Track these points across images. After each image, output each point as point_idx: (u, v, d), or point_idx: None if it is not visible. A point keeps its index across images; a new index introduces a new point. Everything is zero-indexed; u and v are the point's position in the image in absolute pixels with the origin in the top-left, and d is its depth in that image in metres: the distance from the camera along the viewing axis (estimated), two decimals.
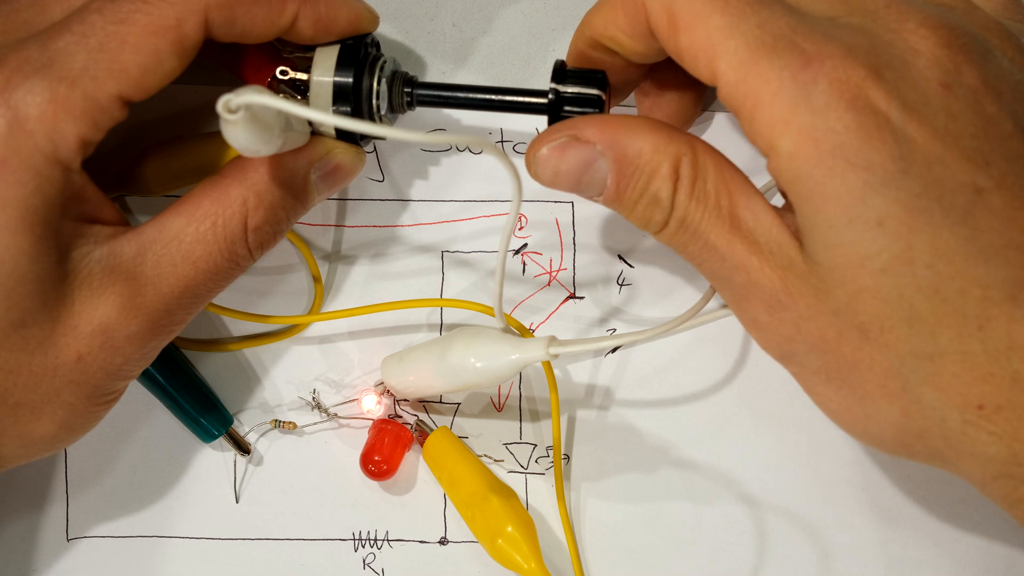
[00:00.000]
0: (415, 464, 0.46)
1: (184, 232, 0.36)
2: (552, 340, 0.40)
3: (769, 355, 0.37)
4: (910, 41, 0.32)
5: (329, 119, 0.32)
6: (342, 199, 0.46)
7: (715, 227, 0.35)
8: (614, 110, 0.45)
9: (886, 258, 0.31)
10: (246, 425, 0.46)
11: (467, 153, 0.46)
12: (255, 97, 0.30)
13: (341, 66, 0.38)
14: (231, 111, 0.30)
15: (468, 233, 0.46)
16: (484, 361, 0.41)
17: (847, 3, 0.33)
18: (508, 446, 0.46)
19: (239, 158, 0.38)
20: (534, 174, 0.37)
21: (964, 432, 0.33)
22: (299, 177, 0.38)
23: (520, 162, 0.46)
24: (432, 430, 0.45)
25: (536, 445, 0.46)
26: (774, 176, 0.33)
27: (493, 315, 0.41)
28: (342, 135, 0.39)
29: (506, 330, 0.42)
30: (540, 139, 0.36)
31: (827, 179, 0.31)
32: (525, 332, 0.45)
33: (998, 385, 0.32)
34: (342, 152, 0.39)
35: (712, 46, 0.32)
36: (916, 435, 0.34)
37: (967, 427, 0.33)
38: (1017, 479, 0.33)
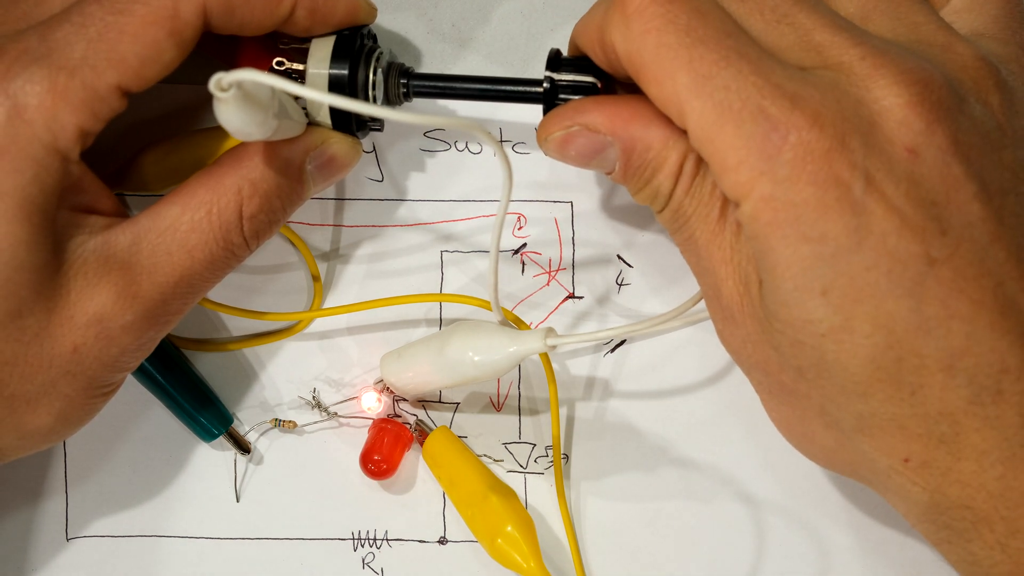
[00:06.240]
0: (415, 463, 0.46)
1: (179, 220, 0.36)
2: (550, 332, 0.40)
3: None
4: (881, 101, 0.32)
5: (320, 96, 0.32)
6: (340, 198, 0.46)
7: (701, 225, 0.35)
8: None
9: (826, 326, 0.32)
10: (246, 424, 0.46)
11: (466, 152, 0.46)
12: (246, 75, 0.30)
13: (337, 57, 0.38)
14: (223, 89, 0.30)
15: (467, 232, 0.46)
16: (482, 354, 0.41)
17: (821, 54, 0.33)
18: (507, 445, 0.46)
19: (234, 148, 0.38)
20: (545, 152, 0.38)
21: (890, 476, 0.33)
22: (294, 166, 0.38)
23: (518, 161, 0.46)
24: (432, 429, 0.45)
25: (535, 444, 0.46)
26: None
27: (491, 309, 0.41)
28: (338, 126, 0.39)
29: (503, 323, 0.42)
30: (550, 122, 0.37)
31: (780, 246, 0.32)
32: (522, 325, 0.45)
33: (924, 444, 0.32)
34: (338, 142, 0.39)
35: (680, 103, 0.32)
36: (848, 464, 0.35)
37: (893, 473, 0.33)
38: (938, 525, 0.34)
